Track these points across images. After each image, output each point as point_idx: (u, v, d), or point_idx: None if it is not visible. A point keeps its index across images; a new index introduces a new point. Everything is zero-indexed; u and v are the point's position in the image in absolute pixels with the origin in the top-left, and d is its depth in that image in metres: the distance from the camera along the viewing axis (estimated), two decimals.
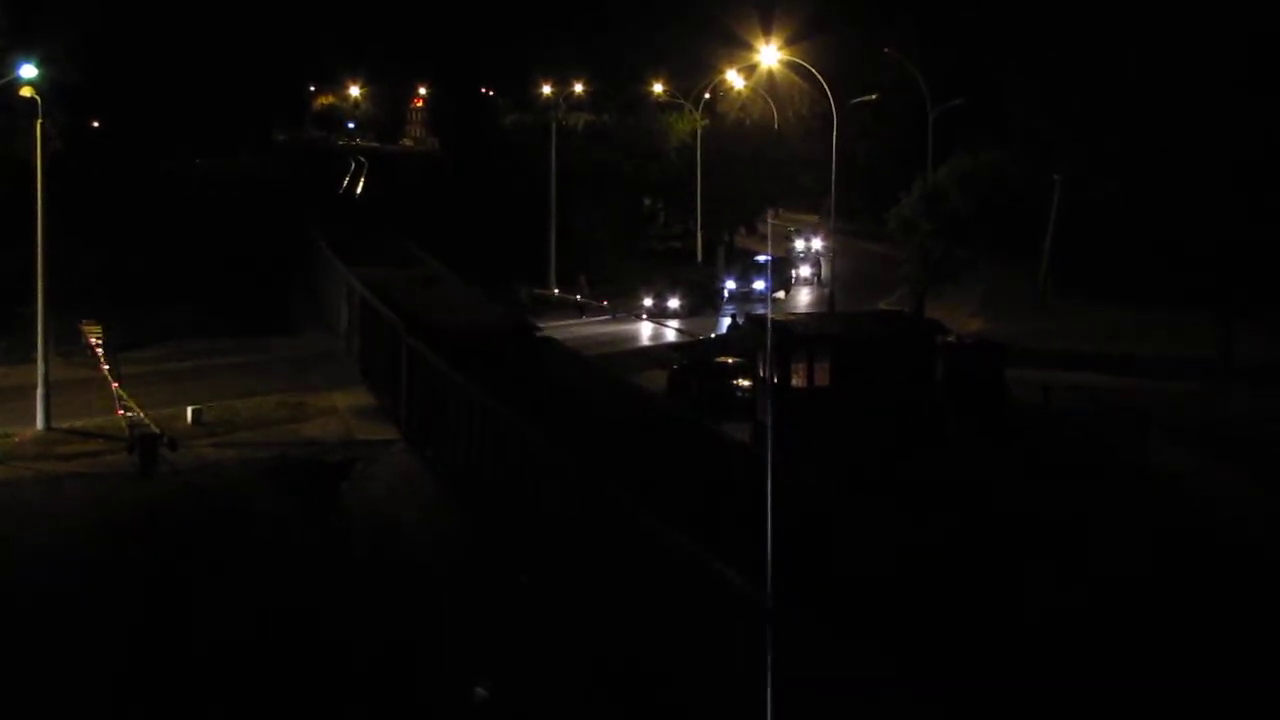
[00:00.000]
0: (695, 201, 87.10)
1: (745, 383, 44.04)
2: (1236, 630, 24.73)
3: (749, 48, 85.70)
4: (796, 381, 39.44)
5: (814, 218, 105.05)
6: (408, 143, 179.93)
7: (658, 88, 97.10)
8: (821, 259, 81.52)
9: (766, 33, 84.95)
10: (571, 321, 65.42)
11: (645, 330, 64.65)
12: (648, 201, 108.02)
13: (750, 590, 18.83)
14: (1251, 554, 30.97)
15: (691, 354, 52.96)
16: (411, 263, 64.96)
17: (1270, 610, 26.29)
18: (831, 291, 68.40)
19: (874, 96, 75.45)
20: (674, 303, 68.10)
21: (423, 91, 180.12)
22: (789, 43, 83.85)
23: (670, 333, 62.74)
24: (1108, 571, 28.23)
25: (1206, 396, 47.98)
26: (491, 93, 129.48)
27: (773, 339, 38.02)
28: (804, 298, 78.09)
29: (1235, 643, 23.84)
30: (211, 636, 26.50)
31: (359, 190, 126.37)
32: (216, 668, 25.25)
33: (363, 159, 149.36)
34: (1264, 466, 37.82)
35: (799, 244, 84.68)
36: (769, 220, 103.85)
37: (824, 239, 73.85)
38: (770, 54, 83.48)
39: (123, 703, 24.19)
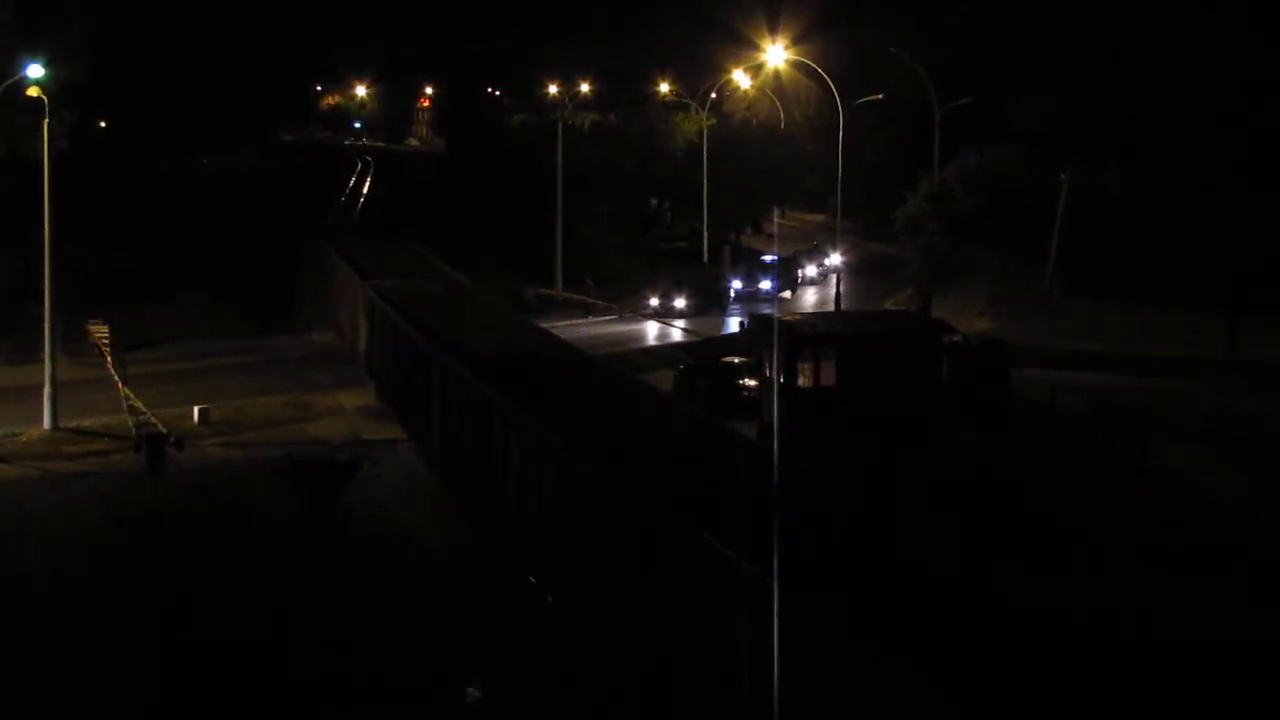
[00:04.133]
0: (701, 201, 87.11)
1: (751, 382, 44.01)
2: (1236, 627, 24.71)
3: (755, 47, 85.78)
4: (803, 381, 39.41)
5: (820, 217, 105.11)
6: (414, 143, 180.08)
7: (664, 87, 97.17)
8: (827, 263, 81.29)
9: (773, 32, 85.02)
10: (577, 321, 65.40)
11: (651, 330, 64.64)
12: (654, 201, 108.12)
13: (756, 575, 18.83)
14: (1249, 552, 30.94)
15: (698, 354, 52.97)
16: (402, 249, 66.76)
17: (1269, 609, 26.27)
18: (838, 291, 68.41)
19: (880, 96, 75.43)
20: (680, 302, 68.08)
21: (429, 91, 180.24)
22: (795, 42, 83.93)
23: (676, 333, 62.73)
24: (1107, 569, 28.21)
25: (1211, 395, 47.96)
26: (497, 92, 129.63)
27: (779, 338, 38.03)
28: (810, 297, 78.08)
29: (1235, 640, 23.82)
30: (215, 635, 26.52)
31: (365, 190, 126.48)
32: (219, 666, 25.26)
33: (369, 158, 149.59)
34: (1266, 465, 37.77)
35: (829, 260, 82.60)
36: (775, 220, 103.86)
37: (842, 254, 73.72)
38: (776, 54, 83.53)
39: (125, 699, 24.21)
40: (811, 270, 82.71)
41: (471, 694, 23.04)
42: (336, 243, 66.58)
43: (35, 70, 46.31)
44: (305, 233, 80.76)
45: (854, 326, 45.20)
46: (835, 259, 75.84)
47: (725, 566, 20.49)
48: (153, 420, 42.43)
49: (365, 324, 49.12)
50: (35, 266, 45.14)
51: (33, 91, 47.01)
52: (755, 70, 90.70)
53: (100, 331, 52.59)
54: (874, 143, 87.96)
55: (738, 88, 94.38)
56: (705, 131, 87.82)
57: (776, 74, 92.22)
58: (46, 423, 43.21)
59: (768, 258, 79.71)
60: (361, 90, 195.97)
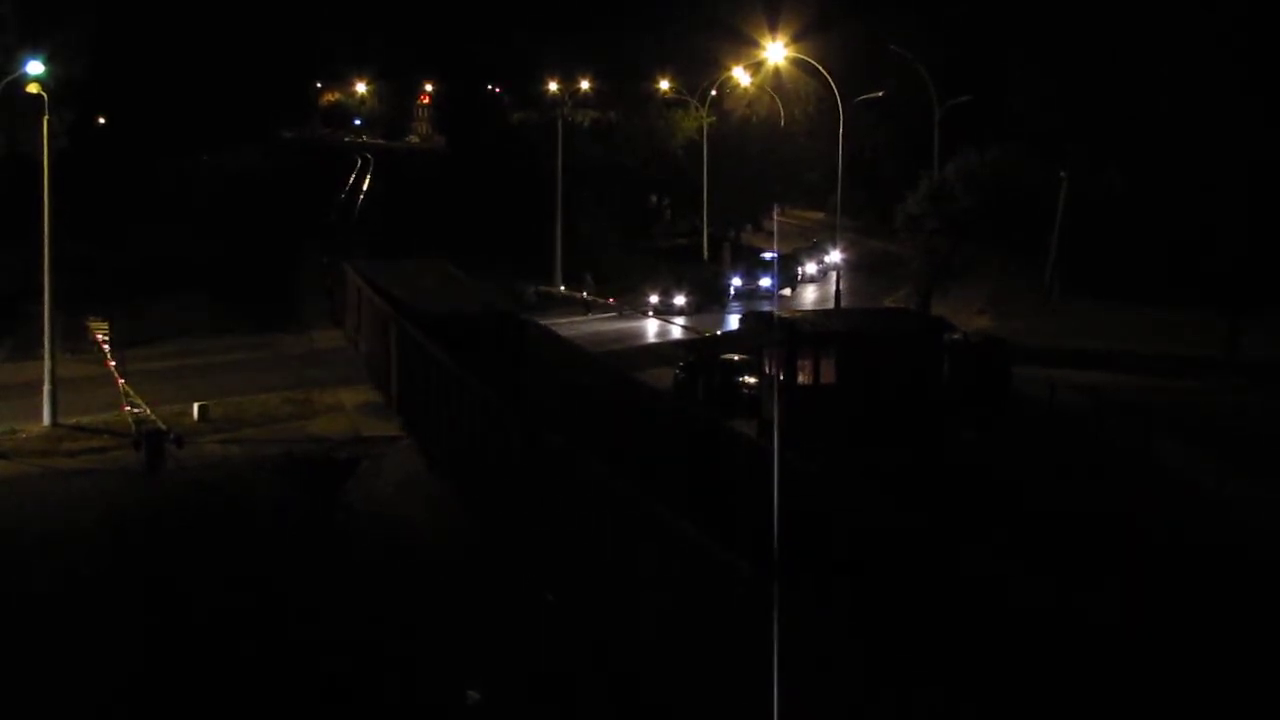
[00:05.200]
0: (701, 199, 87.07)
1: (751, 380, 43.99)
2: (1236, 626, 24.73)
3: (755, 45, 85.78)
4: (803, 379, 39.41)
5: (820, 214, 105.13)
6: (414, 140, 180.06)
7: (664, 85, 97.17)
8: (827, 260, 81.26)
9: (773, 30, 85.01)
10: (577, 319, 65.42)
11: (651, 327, 64.62)
12: (654, 199, 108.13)
13: (755, 575, 18.81)
14: (1250, 550, 30.94)
15: (698, 351, 52.94)
16: (427, 265, 64.46)
17: (1270, 606, 26.28)
18: (838, 289, 68.41)
19: (880, 94, 75.41)
20: (680, 300, 68.07)
21: (429, 88, 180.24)
22: (795, 40, 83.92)
23: (676, 330, 62.73)
24: (1108, 568, 28.22)
25: (1212, 394, 47.95)
26: (498, 90, 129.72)
27: (779, 336, 38.03)
28: (810, 295, 78.07)
29: (1235, 638, 23.84)
30: (214, 634, 26.50)
31: (365, 187, 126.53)
32: (218, 666, 25.24)
33: (369, 156, 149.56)
34: (1266, 465, 37.73)
35: (829, 258, 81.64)
36: (775, 217, 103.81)
37: (842, 251, 73.61)
38: (777, 51, 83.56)
39: (122, 700, 24.19)
40: (811, 268, 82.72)
41: (471, 696, 23.04)
42: (355, 261, 59.76)
43: (35, 67, 46.30)
44: (306, 231, 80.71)
45: (854, 324, 45.16)
46: (835, 256, 75.84)
47: (726, 567, 20.49)
48: (152, 417, 42.40)
49: (397, 358, 43.66)
50: (35, 264, 45.11)
51: (32, 89, 47.01)
52: (755, 68, 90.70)
53: (100, 329, 52.51)
54: (874, 140, 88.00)
55: (738, 85, 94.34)
56: (705, 129, 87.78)
57: (776, 71, 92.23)
58: (46, 419, 43.19)
59: (768, 255, 79.71)
60: (361, 87, 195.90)
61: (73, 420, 43.52)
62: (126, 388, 45.26)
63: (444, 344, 38.30)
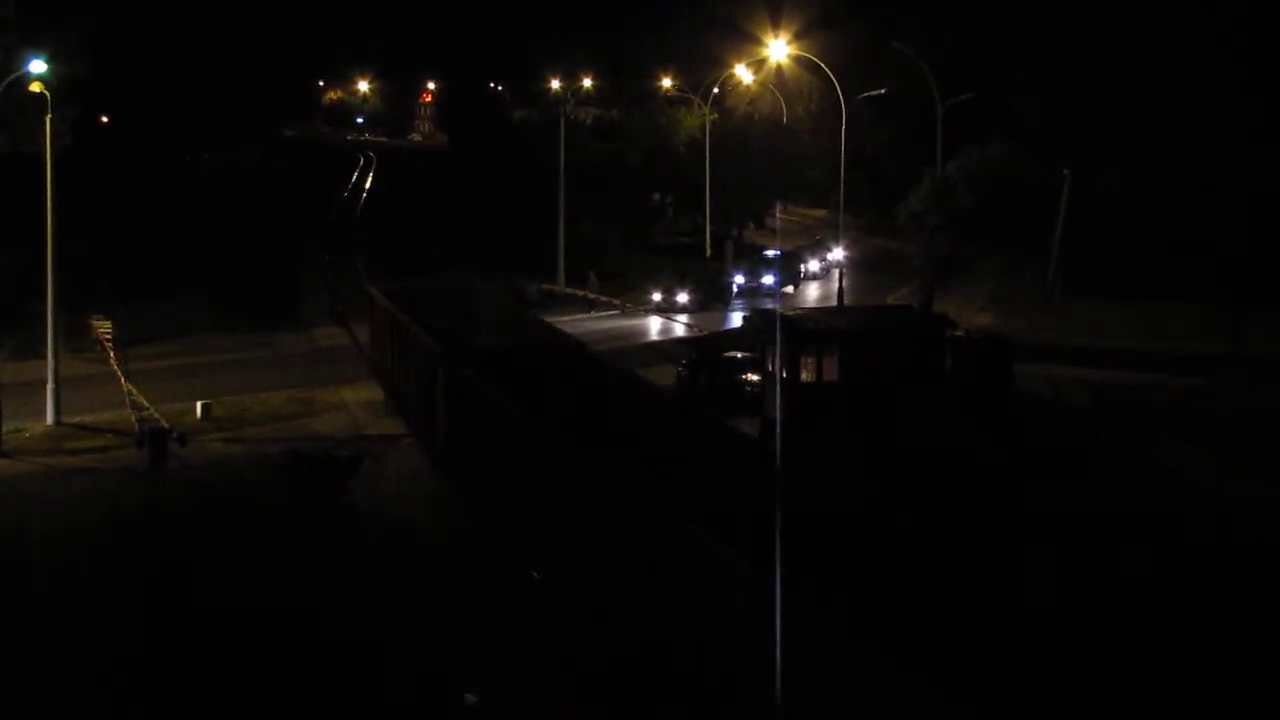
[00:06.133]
0: (704, 196, 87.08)
1: (754, 377, 44.02)
2: (1238, 626, 24.70)
3: (758, 42, 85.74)
4: (805, 376, 39.43)
5: (822, 212, 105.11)
6: (416, 138, 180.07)
7: (666, 83, 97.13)
8: (830, 258, 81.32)
9: (775, 27, 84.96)
10: (580, 316, 65.45)
11: (654, 325, 64.64)
12: (656, 196, 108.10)
13: (756, 576, 18.81)
14: (1253, 549, 30.91)
15: (700, 349, 52.99)
16: (460, 286, 62.47)
17: (1272, 606, 26.25)
18: (840, 286, 68.40)
19: (882, 91, 75.38)
20: (682, 297, 68.08)
21: (431, 86, 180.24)
22: (798, 37, 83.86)
23: (679, 328, 62.74)
24: (1110, 567, 28.20)
25: (1213, 392, 47.92)
26: (500, 88, 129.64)
27: (781, 334, 38.05)
28: (813, 292, 78.07)
29: (1236, 639, 23.82)
30: (214, 634, 26.51)
31: (366, 185, 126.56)
32: (218, 665, 25.25)
33: (371, 154, 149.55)
34: (1268, 462, 37.70)
35: (832, 255, 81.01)
36: (777, 215, 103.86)
37: (844, 249, 73.52)
38: (779, 48, 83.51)
39: (122, 700, 24.20)
40: (814, 265, 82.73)
41: (469, 699, 23.06)
42: (377, 280, 55.09)
43: (37, 66, 46.36)
44: (307, 231, 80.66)
45: (856, 322, 45.20)
46: (837, 254, 75.80)
47: (726, 568, 20.48)
48: (155, 416, 42.48)
49: (444, 407, 36.39)
50: (37, 263, 45.18)
51: (35, 87, 47.07)
52: (758, 65, 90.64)
53: (103, 327, 52.70)
54: (876, 138, 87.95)
55: (740, 82, 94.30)
56: (707, 126, 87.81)
57: (779, 69, 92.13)
58: (50, 418, 43.28)
59: (770, 252, 79.72)
60: (364, 85, 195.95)
61: (76, 419, 43.60)
62: (129, 386, 45.32)
63: (510, 389, 31.93)
